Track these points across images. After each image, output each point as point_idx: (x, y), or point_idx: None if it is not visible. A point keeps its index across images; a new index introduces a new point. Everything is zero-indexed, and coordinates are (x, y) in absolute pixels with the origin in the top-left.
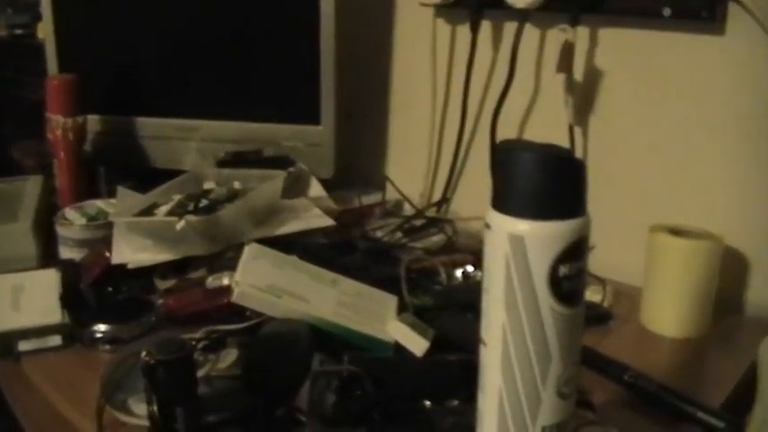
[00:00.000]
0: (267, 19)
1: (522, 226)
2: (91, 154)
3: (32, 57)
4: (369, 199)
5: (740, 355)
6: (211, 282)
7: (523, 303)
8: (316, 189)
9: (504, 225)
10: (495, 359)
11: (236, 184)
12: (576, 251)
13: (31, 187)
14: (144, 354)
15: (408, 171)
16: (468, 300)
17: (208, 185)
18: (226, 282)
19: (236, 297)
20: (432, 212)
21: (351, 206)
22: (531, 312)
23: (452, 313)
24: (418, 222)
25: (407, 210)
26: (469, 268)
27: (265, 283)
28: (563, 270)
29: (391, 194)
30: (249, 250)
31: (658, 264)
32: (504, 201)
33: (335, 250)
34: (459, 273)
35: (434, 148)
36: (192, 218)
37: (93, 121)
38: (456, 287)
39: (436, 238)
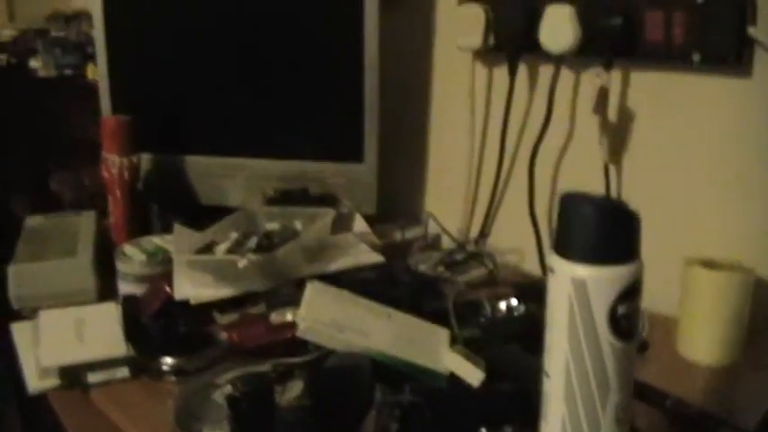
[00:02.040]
0: (312, 60)
1: (585, 270)
2: (142, 191)
3: (80, 96)
4: (409, 233)
5: None
6: (275, 317)
7: (585, 339)
8: (359, 225)
9: (568, 269)
10: (558, 389)
11: (297, 225)
12: (632, 292)
13: (85, 222)
14: (228, 386)
15: (447, 207)
16: (512, 332)
17: (270, 226)
18: (289, 317)
19: (301, 332)
20: (470, 247)
21: (392, 240)
22: (592, 347)
23: (498, 344)
24: (459, 256)
25: (445, 243)
26: (513, 301)
27: (328, 318)
28: (621, 309)
29: (429, 229)
30: (311, 287)
31: (693, 295)
32: (567, 247)
33: (382, 284)
34: (502, 305)
35: (472, 186)
36: (253, 256)
37: (143, 160)
38: (501, 319)
39: (476, 272)
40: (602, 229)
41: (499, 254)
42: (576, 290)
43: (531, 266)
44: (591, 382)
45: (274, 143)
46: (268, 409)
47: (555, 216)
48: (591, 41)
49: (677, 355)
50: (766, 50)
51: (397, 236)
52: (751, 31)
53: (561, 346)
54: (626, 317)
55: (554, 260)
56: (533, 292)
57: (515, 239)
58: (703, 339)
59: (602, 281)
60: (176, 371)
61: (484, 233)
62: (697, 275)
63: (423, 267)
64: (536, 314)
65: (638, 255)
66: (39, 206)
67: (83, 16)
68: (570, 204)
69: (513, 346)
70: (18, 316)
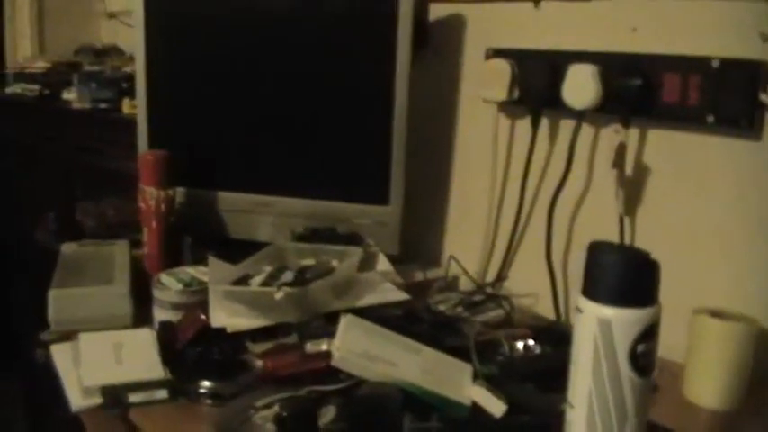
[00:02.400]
0: (343, 106)
1: (610, 312)
2: (175, 223)
3: (113, 130)
4: (430, 274)
5: None
6: (310, 347)
7: (608, 374)
8: (383, 264)
9: (594, 310)
10: (580, 418)
11: (334, 263)
12: (651, 333)
13: (119, 251)
14: (276, 406)
15: (466, 250)
16: (529, 371)
17: (306, 262)
18: (324, 347)
19: (336, 361)
20: (487, 289)
21: (413, 280)
22: (613, 381)
23: (516, 382)
24: (477, 297)
25: (462, 285)
26: (529, 342)
27: (361, 349)
28: (640, 348)
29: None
30: (346, 320)
31: (700, 343)
32: (595, 291)
33: (405, 321)
34: (519, 345)
35: (491, 232)
36: (289, 289)
37: (177, 194)
38: (518, 359)
39: (494, 313)
40: (627, 275)
41: (514, 296)
42: (601, 329)
43: (545, 310)
44: (611, 412)
45: (304, 183)
46: (311, 430)
47: (570, 262)
48: (611, 99)
49: (683, 399)
50: None
51: (419, 276)
52: (763, 97)
53: (585, 379)
54: (644, 355)
55: (582, 302)
56: (549, 334)
57: (531, 283)
58: (708, 384)
59: (625, 321)
60: (213, 395)
61: (501, 276)
62: (704, 324)
63: (442, 307)
64: (551, 355)
65: (657, 299)
66: (62, 234)
67: (112, 50)
68: (598, 252)
69: (530, 385)
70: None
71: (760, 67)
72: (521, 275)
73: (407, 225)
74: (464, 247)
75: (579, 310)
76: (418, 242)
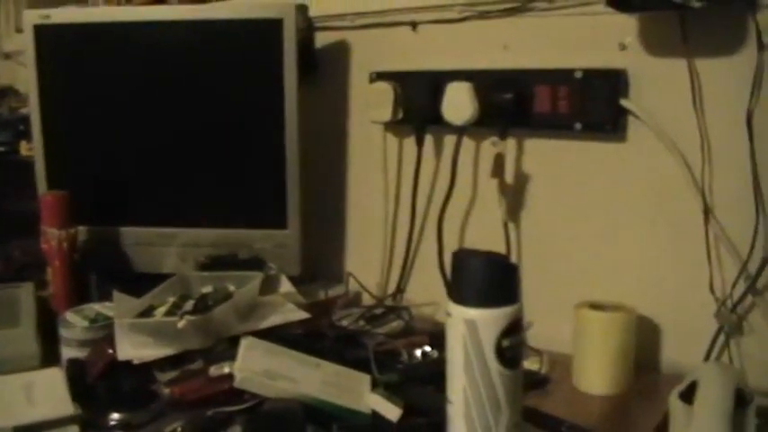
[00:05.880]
0: (236, 135)
1: (474, 313)
2: (80, 261)
3: (12, 172)
4: (332, 292)
5: (656, 407)
6: (214, 371)
7: (478, 369)
8: (285, 285)
9: (461, 313)
10: (459, 413)
11: (231, 288)
12: (514, 328)
13: (24, 293)
14: (179, 429)
15: (366, 266)
16: (428, 375)
17: (205, 289)
18: (227, 370)
19: (238, 382)
20: (388, 302)
21: (316, 299)
22: (484, 376)
23: (416, 386)
24: (378, 311)
25: (366, 300)
26: (427, 348)
27: (262, 369)
28: (505, 343)
29: (349, 287)
30: (245, 342)
31: (584, 334)
32: (460, 295)
33: (309, 338)
34: (418, 352)
35: (388, 246)
36: (191, 317)
37: (80, 232)
38: (417, 365)
39: (395, 324)
40: (486, 279)
41: (415, 307)
42: (468, 329)
43: (445, 317)
44: (485, 404)
45: (204, 213)
46: None
47: None
48: (488, 113)
49: (574, 388)
50: (638, 119)
51: (321, 294)
52: (623, 102)
53: (459, 376)
54: (510, 349)
55: (450, 306)
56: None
57: (429, 293)
58: (594, 372)
59: (488, 321)
60: (123, 425)
61: (400, 289)
62: (586, 316)
63: (345, 322)
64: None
65: (519, 298)
66: None
67: (8, 91)
68: (461, 259)
69: (429, 388)
70: None
71: (619, 75)
72: (419, 286)
73: (309, 246)
74: (364, 263)
75: (449, 314)
76: (321, 262)
